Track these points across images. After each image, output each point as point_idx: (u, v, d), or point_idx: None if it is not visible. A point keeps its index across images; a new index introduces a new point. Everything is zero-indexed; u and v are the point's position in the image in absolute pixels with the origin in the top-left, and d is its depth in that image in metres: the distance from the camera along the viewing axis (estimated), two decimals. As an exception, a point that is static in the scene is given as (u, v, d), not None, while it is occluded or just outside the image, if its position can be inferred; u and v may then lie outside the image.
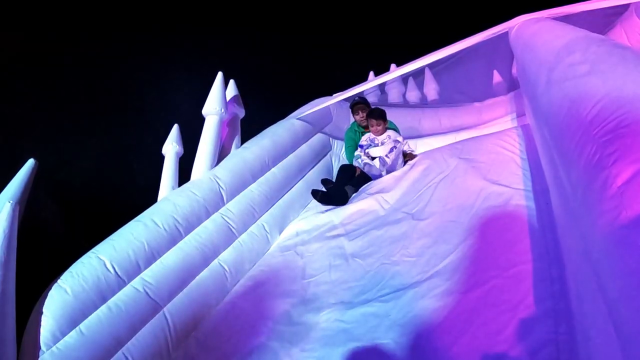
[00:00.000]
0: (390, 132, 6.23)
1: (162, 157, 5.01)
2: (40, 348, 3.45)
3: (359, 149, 6.27)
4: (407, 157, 6.19)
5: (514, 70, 7.75)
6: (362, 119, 6.45)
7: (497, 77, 8.79)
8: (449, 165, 5.21)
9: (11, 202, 3.37)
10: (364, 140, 6.29)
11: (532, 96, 3.99)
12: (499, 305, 2.93)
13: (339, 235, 4.78)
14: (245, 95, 5.80)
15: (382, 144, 6.13)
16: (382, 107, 6.38)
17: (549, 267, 3.04)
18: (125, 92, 7.73)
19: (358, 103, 6.53)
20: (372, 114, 6.19)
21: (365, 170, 6.07)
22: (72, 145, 7.17)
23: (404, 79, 9.55)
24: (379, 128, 6.14)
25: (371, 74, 10.25)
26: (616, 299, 1.58)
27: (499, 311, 2.89)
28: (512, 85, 7.81)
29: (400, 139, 6.22)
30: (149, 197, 4.67)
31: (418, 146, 6.40)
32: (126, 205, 4.52)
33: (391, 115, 6.52)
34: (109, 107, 7.61)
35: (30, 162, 4.14)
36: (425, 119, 7.41)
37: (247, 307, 4.17)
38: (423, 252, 3.87)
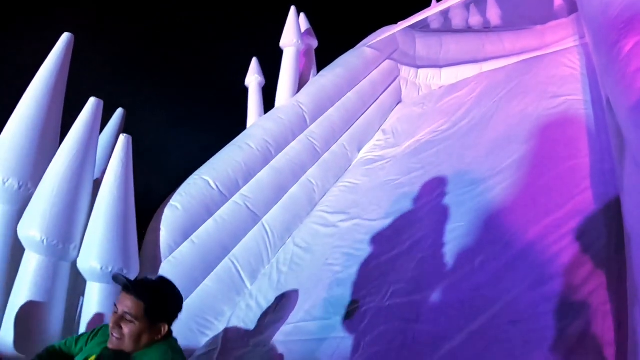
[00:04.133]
0: None
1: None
2: (159, 259, 3.81)
3: None
4: None
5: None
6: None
7: (558, 0, 8.61)
8: (512, 81, 5.30)
9: (125, 135, 3.62)
10: None
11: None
12: (559, 190, 3.14)
13: (414, 147, 4.99)
14: (316, 27, 5.95)
15: None
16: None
17: (601, 162, 3.25)
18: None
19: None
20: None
21: None
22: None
23: (467, 5, 9.44)
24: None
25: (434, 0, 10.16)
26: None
27: (559, 195, 3.10)
28: (573, 7, 7.67)
29: None
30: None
31: (483, 69, 6.44)
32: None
33: (455, 39, 6.50)
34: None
35: (120, 111, 4.53)
36: (489, 43, 7.39)
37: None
38: (491, 153, 4.07)
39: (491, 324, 2.57)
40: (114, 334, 2.17)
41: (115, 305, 2.22)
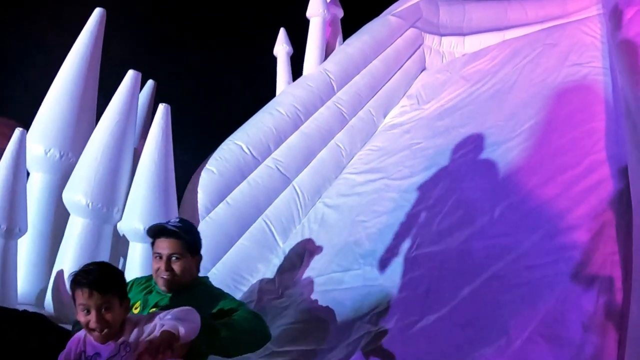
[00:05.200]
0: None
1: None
2: (197, 219, 4.00)
3: None
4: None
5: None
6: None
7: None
8: (534, 49, 5.36)
9: (164, 105, 3.78)
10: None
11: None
12: (575, 151, 3.25)
13: (437, 112, 5.11)
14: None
15: None
16: None
17: (616, 125, 3.34)
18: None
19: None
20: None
21: None
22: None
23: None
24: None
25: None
26: None
27: (575, 155, 3.22)
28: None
29: None
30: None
31: (506, 37, 6.46)
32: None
33: (478, 7, 6.52)
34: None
35: (151, 82, 4.78)
36: (511, 10, 7.36)
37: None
38: (512, 117, 4.19)
39: (508, 269, 2.74)
40: (165, 276, 2.37)
41: (156, 253, 2.41)
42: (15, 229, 3.18)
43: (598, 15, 5.72)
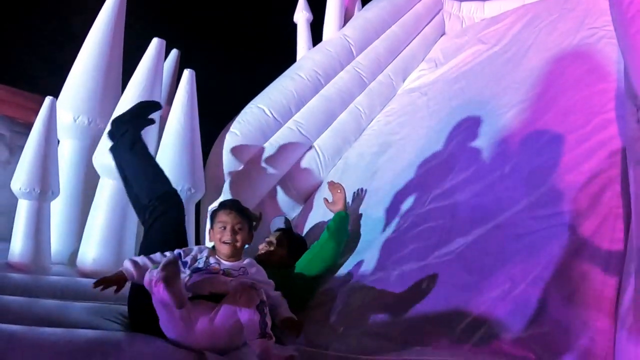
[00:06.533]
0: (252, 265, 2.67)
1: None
2: (222, 179, 4.14)
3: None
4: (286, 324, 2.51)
5: None
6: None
7: None
8: (551, 14, 5.35)
9: (189, 70, 3.92)
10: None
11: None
12: (585, 110, 3.33)
13: (454, 74, 5.20)
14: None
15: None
16: None
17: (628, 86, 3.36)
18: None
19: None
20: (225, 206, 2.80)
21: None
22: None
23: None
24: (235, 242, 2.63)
25: None
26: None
27: (586, 113, 3.30)
28: None
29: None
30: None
31: (525, 2, 6.43)
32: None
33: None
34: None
35: (175, 52, 4.96)
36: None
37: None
38: (526, 79, 4.24)
39: (515, 218, 2.86)
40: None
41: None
42: (48, 192, 3.39)
43: (614, -19, 5.68)
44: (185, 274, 2.45)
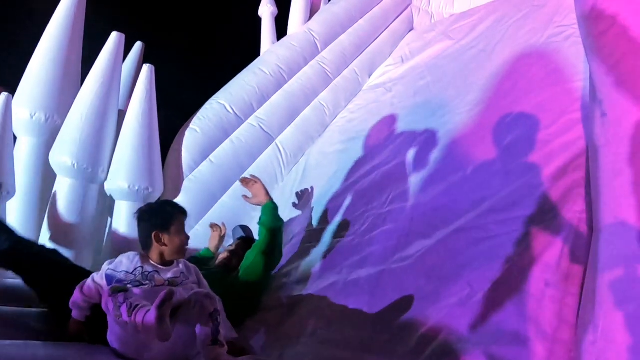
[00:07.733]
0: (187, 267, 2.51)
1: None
2: (181, 177, 4.04)
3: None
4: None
5: None
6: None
7: None
8: (521, 10, 5.30)
9: (148, 65, 3.81)
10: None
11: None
12: (553, 109, 3.27)
13: (420, 70, 5.14)
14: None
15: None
16: None
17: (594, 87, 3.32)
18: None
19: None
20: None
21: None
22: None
23: None
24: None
25: None
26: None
27: (552, 113, 3.25)
28: None
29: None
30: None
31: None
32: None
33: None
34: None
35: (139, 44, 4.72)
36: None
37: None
38: (493, 77, 4.19)
39: (476, 222, 2.78)
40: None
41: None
42: (3, 192, 3.23)
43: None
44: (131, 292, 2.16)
